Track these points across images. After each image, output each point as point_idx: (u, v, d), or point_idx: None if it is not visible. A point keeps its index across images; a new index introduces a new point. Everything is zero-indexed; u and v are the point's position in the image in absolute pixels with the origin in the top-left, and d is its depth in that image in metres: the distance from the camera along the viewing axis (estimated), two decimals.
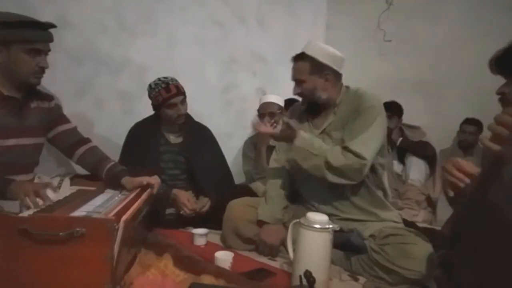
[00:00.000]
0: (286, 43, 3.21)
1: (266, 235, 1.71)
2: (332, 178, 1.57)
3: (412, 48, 3.18)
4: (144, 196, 1.46)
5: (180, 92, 1.99)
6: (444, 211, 2.43)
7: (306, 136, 1.62)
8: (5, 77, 1.46)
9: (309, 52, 1.66)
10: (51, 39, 1.51)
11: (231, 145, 2.92)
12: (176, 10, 2.56)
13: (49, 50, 1.52)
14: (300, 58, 1.68)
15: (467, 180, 0.84)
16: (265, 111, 2.57)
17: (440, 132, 3.00)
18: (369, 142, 1.56)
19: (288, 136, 1.62)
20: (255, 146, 2.58)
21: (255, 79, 3.12)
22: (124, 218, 1.13)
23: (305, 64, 1.66)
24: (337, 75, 1.71)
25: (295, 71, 1.71)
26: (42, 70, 1.49)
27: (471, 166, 1.17)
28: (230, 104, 2.98)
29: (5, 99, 1.47)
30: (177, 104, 1.97)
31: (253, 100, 3.12)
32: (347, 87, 1.75)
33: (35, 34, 1.44)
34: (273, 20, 3.19)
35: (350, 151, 1.53)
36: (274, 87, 3.16)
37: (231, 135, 2.95)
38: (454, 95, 3.00)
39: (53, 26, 1.51)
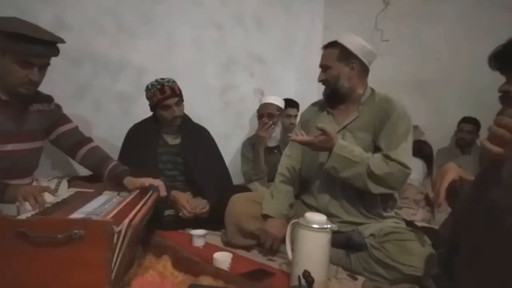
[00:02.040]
0: (284, 44, 3.22)
1: (270, 227, 1.70)
2: (373, 187, 1.56)
3: (410, 48, 3.19)
4: (151, 200, 1.46)
5: (175, 94, 1.99)
6: (439, 208, 2.44)
7: (345, 143, 1.59)
8: (1, 83, 1.45)
9: (341, 40, 1.68)
10: (48, 55, 1.47)
11: (230, 146, 2.93)
12: (175, 11, 2.56)
13: (47, 64, 1.49)
14: (331, 45, 1.71)
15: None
16: (264, 112, 2.58)
17: (437, 131, 3.01)
18: (409, 151, 1.59)
19: (326, 144, 1.57)
20: (254, 147, 2.58)
21: (253, 80, 3.12)
22: (133, 222, 1.14)
23: (334, 51, 1.69)
24: (364, 68, 1.71)
25: (323, 57, 1.73)
26: (31, 82, 1.44)
27: (462, 174, 1.20)
28: (228, 105, 2.98)
29: (3, 103, 1.46)
30: (171, 105, 1.97)
31: (252, 101, 3.12)
32: (373, 89, 1.75)
33: (30, 49, 1.39)
34: (271, 21, 3.19)
35: (394, 160, 1.54)
36: (272, 88, 3.16)
37: (230, 136, 2.95)
38: (451, 95, 3.01)
39: (61, 41, 1.48)
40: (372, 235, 1.58)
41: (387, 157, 1.56)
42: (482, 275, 0.91)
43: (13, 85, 1.44)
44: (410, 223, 2.01)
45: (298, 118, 2.60)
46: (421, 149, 2.84)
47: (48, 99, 1.67)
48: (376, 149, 1.63)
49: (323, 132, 1.56)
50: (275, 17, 3.22)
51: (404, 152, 1.56)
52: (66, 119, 1.72)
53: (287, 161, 1.88)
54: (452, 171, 1.20)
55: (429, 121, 3.03)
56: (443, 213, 2.43)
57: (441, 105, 3.05)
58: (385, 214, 1.68)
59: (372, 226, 1.62)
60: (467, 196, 1.07)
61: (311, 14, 3.55)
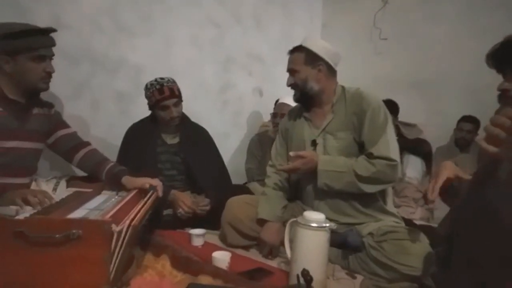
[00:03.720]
0: (283, 42, 3.21)
1: (266, 235, 1.71)
2: (369, 188, 1.58)
3: (408, 46, 3.19)
4: (150, 200, 1.47)
5: (174, 94, 1.98)
6: (441, 209, 2.44)
7: (326, 158, 1.64)
8: (13, 83, 1.49)
9: (306, 44, 1.72)
10: (53, 44, 1.54)
11: (228, 145, 2.93)
12: (173, 10, 2.56)
13: (53, 55, 1.55)
14: (296, 49, 1.75)
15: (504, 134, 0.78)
16: (279, 112, 2.55)
17: (436, 130, 3.01)
18: (390, 143, 1.59)
19: (309, 165, 1.61)
20: (262, 145, 2.56)
21: (252, 79, 3.12)
22: (132, 222, 1.14)
23: (300, 55, 1.72)
24: (331, 69, 1.73)
25: (290, 61, 1.77)
26: (49, 75, 1.53)
27: (459, 173, 1.20)
28: (226, 104, 2.98)
29: (9, 102, 1.49)
30: (170, 106, 1.97)
31: (250, 100, 3.13)
32: (343, 87, 1.76)
33: (38, 41, 1.47)
34: (269, 20, 3.19)
35: (378, 157, 1.56)
36: (270, 87, 3.17)
37: (228, 135, 2.95)
38: (450, 93, 3.01)
39: (53, 30, 1.54)
40: (370, 234, 1.58)
41: (370, 155, 1.58)
42: (479, 273, 0.91)
43: (33, 83, 1.50)
44: (409, 222, 2.01)
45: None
46: (420, 148, 2.84)
47: (49, 104, 1.70)
48: (361, 146, 1.65)
49: (299, 156, 1.61)
50: (273, 15, 3.23)
51: (385, 145, 1.57)
52: (65, 125, 1.75)
53: (272, 170, 1.90)
54: (448, 169, 1.21)
55: (428, 119, 3.03)
56: (433, 209, 2.44)
57: (440, 103, 3.06)
58: (385, 206, 1.68)
59: (370, 225, 1.62)
60: (465, 194, 1.07)
61: (310, 13, 3.56)
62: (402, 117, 2.96)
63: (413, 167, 2.80)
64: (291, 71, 1.76)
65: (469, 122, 2.84)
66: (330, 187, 1.62)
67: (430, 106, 3.09)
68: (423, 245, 1.45)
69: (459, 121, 2.88)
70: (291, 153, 1.64)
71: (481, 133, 2.80)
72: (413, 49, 3.16)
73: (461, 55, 2.91)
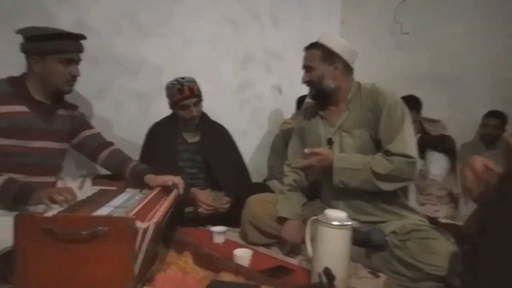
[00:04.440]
0: (301, 39, 3.16)
1: (286, 233, 1.71)
2: (386, 186, 1.55)
3: (430, 41, 3.11)
4: (171, 197, 1.49)
5: (194, 94, 2.00)
6: (467, 207, 2.37)
7: (341, 155, 1.61)
8: (40, 84, 1.55)
9: (322, 40, 1.69)
10: (81, 49, 1.61)
11: (248, 143, 2.93)
12: (190, 9, 2.58)
13: (80, 60, 1.61)
14: (313, 46, 1.72)
15: (479, 188, 0.79)
16: None
17: (461, 126, 2.92)
18: (408, 139, 1.55)
19: (324, 162, 1.59)
20: (286, 141, 2.55)
21: (270, 77, 3.12)
22: (155, 219, 1.16)
23: (317, 52, 1.70)
24: (348, 67, 1.71)
25: (306, 58, 1.74)
26: (74, 78, 1.59)
27: (489, 164, 1.14)
28: (246, 101, 2.99)
29: (36, 103, 1.55)
30: (189, 106, 2.00)
31: (269, 98, 3.12)
32: (359, 83, 1.73)
33: (68, 45, 1.54)
34: (287, 17, 3.17)
35: (395, 154, 1.52)
36: (289, 84, 3.15)
37: (247, 133, 2.96)
38: (475, 87, 2.92)
39: (83, 37, 1.62)
40: (393, 232, 1.55)
41: (387, 153, 1.54)
42: (508, 273, 0.88)
43: (59, 85, 1.55)
44: (433, 220, 1.97)
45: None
46: (444, 144, 2.76)
47: (74, 106, 1.75)
48: (377, 143, 1.61)
49: (314, 153, 1.58)
50: (291, 12, 3.20)
51: (403, 142, 1.53)
52: (89, 125, 1.80)
53: (289, 169, 1.89)
54: (479, 161, 1.15)
55: (451, 115, 2.95)
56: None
57: (465, 98, 2.97)
58: (407, 203, 1.64)
59: (393, 223, 1.59)
60: (493, 191, 1.04)
61: (328, 8, 3.52)
62: (425, 113, 2.89)
63: (437, 164, 2.73)
64: (307, 67, 1.73)
65: (496, 117, 2.74)
66: (346, 185, 1.60)
67: (454, 101, 3.01)
68: (448, 244, 1.41)
69: (485, 116, 2.79)
70: (306, 150, 1.61)
71: (509, 129, 2.72)
72: (435, 43, 3.08)
73: (484, 49, 2.82)
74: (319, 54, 1.69)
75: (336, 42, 1.69)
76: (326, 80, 1.68)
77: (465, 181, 1.13)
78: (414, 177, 1.57)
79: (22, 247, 1.05)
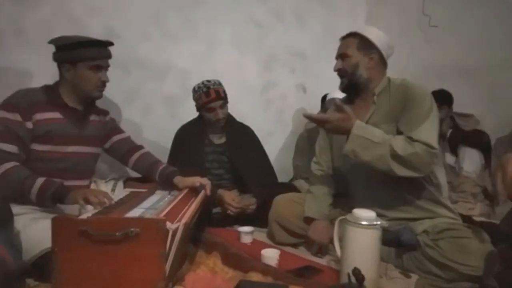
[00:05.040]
0: (325, 37, 3.15)
1: (314, 233, 1.70)
2: (399, 169, 1.45)
3: (460, 33, 2.98)
4: (199, 198, 1.52)
5: (220, 96, 2.03)
6: (503, 204, 2.27)
7: (363, 124, 1.52)
8: (72, 91, 1.62)
9: (361, 30, 1.66)
10: (109, 56, 1.67)
11: (273, 143, 2.93)
12: (215, 13, 2.61)
13: (109, 66, 1.67)
14: (350, 35, 1.69)
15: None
16: (329, 107, 2.51)
17: (495, 120, 2.79)
18: (433, 130, 1.48)
19: (343, 124, 1.50)
20: (311, 140, 2.52)
21: (295, 76, 3.10)
22: (185, 220, 1.19)
23: (354, 40, 1.66)
24: (383, 60, 1.67)
25: (342, 46, 1.70)
26: (103, 84, 1.65)
27: None
28: (270, 102, 2.99)
29: (69, 110, 1.62)
30: (215, 108, 2.03)
31: (293, 98, 3.11)
32: (389, 78, 1.69)
33: (97, 52, 1.60)
34: (311, 15, 3.14)
35: (417, 140, 1.44)
36: (314, 83, 3.12)
37: (272, 133, 2.96)
38: (509, 80, 2.78)
39: (111, 44, 1.68)
40: (425, 231, 1.51)
41: (409, 138, 1.46)
42: None
43: (89, 91, 1.62)
44: (467, 218, 1.90)
45: None
46: (478, 139, 2.65)
47: (105, 112, 1.82)
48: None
49: (341, 109, 1.50)
50: (315, 10, 3.17)
51: (427, 132, 1.45)
52: (120, 130, 1.86)
53: (317, 167, 1.87)
54: None
55: (484, 109, 2.82)
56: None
57: (498, 91, 2.83)
58: (438, 197, 1.57)
59: (425, 222, 1.55)
60: None
61: (353, 4, 3.45)
62: (456, 107, 2.78)
63: (471, 160, 2.62)
64: (342, 55, 1.68)
65: None
66: (358, 156, 1.49)
67: (487, 94, 2.87)
68: (483, 242, 1.36)
69: None
70: (336, 101, 1.55)
71: None
72: (465, 36, 2.95)
73: None
74: (356, 43, 1.65)
75: (374, 33, 1.64)
76: (359, 69, 1.63)
77: (501, 180, 1.08)
78: (429, 169, 1.48)
79: (59, 248, 1.10)
